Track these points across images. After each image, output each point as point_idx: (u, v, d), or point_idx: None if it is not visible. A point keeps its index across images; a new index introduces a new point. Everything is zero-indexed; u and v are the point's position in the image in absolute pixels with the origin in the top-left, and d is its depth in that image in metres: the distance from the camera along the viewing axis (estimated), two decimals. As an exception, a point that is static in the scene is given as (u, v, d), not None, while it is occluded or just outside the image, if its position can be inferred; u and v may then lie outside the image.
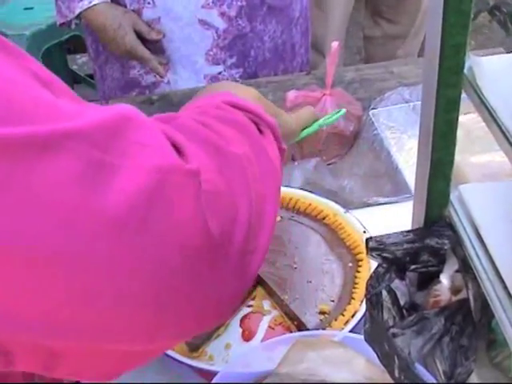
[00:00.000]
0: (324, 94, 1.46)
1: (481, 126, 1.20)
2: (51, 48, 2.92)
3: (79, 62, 3.51)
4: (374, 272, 0.93)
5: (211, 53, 1.66)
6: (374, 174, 1.45)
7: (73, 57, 3.44)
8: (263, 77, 1.74)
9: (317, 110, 1.45)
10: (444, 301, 0.95)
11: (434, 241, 0.90)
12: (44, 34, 2.76)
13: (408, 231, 0.92)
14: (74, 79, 3.27)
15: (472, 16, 0.76)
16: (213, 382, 0.93)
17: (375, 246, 0.90)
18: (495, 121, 0.76)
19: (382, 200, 1.31)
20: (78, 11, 1.60)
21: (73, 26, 1.69)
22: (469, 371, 0.85)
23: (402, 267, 0.94)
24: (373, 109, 1.53)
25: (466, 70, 0.82)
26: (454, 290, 0.96)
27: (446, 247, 0.90)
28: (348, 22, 2.68)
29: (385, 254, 0.92)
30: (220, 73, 1.70)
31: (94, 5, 1.59)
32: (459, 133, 1.17)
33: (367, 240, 0.91)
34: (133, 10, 1.61)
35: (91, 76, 3.16)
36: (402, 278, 0.94)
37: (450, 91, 0.82)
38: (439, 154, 0.88)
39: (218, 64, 1.69)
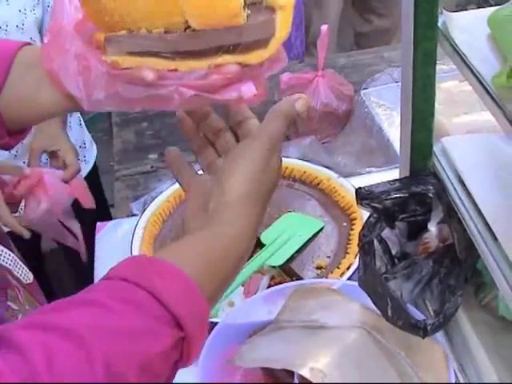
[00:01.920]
0: (316, 76, 1.52)
1: (462, 90, 1.28)
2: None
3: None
4: (365, 222, 0.99)
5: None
6: (366, 149, 1.51)
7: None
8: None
9: (309, 91, 1.52)
10: (433, 247, 1.01)
11: (420, 188, 0.96)
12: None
13: (395, 180, 0.98)
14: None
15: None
16: (213, 332, 0.99)
17: (364, 194, 0.96)
18: (467, 65, 0.82)
19: (374, 170, 1.37)
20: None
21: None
22: (456, 305, 0.91)
23: (391, 217, 1.00)
24: (364, 89, 1.60)
25: (440, 25, 0.88)
26: (442, 239, 1.02)
27: (430, 194, 0.96)
28: (339, 20, 2.75)
29: (374, 204, 0.98)
30: (217, 64, 1.77)
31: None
32: (442, 97, 1.24)
33: (357, 190, 0.97)
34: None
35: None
36: (392, 227, 1.00)
37: (426, 44, 0.89)
38: (420, 106, 0.94)
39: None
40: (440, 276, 0.97)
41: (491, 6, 0.91)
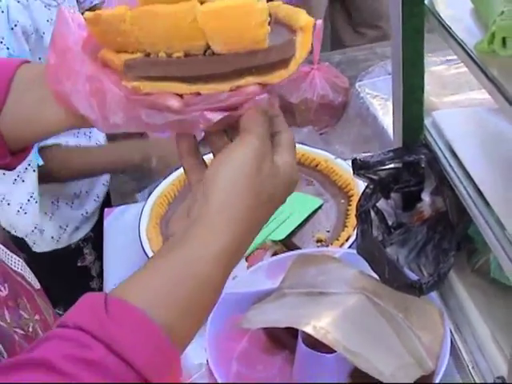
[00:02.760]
0: (312, 69, 1.58)
1: (451, 73, 1.34)
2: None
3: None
4: (362, 193, 1.05)
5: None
6: (362, 138, 1.57)
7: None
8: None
9: (306, 84, 1.58)
10: (426, 216, 1.06)
11: (412, 157, 1.02)
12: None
13: (388, 150, 1.03)
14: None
15: None
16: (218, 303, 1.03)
17: (360, 164, 1.01)
18: (452, 36, 0.87)
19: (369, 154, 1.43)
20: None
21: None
22: (449, 265, 0.96)
23: (386, 188, 1.05)
24: (359, 81, 1.65)
25: (426, 2, 0.94)
26: (435, 208, 1.08)
27: (423, 163, 1.02)
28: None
29: (370, 175, 1.03)
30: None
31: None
32: (433, 80, 1.30)
33: (353, 160, 1.03)
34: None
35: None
36: (388, 198, 1.06)
37: (414, 20, 0.95)
38: (411, 80, 1.00)
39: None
40: (434, 241, 1.02)
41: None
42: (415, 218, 1.07)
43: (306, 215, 1.20)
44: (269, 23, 0.62)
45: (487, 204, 0.91)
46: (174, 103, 0.64)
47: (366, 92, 1.63)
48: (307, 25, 0.65)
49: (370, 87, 1.64)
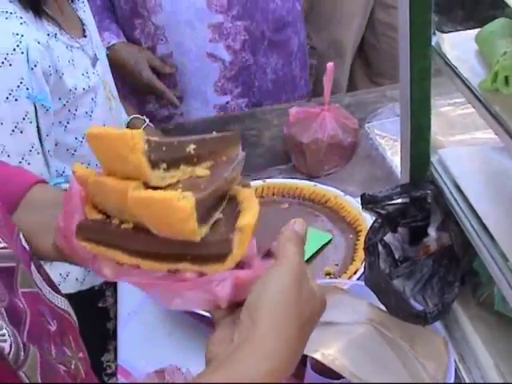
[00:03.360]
0: (323, 110, 1.63)
1: (457, 114, 1.38)
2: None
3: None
4: (370, 227, 1.08)
5: (219, 84, 1.85)
6: (372, 178, 1.61)
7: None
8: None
9: (317, 124, 1.62)
10: (432, 250, 1.09)
11: (419, 192, 1.05)
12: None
13: (396, 186, 1.07)
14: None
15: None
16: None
17: (369, 199, 1.05)
18: (458, 76, 0.92)
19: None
20: (98, 52, 1.79)
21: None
22: (454, 295, 0.99)
23: (393, 222, 1.09)
24: (368, 122, 1.70)
25: (433, 44, 0.99)
26: (441, 243, 1.11)
27: (429, 198, 1.05)
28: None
29: (378, 210, 1.07)
30: (228, 102, 1.88)
31: (113, 44, 1.79)
32: (440, 120, 1.34)
33: (362, 196, 1.06)
34: (148, 48, 1.81)
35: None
36: (395, 232, 1.09)
37: (421, 62, 0.99)
38: (418, 119, 1.04)
39: (226, 94, 1.87)
40: (439, 274, 1.05)
41: (478, 27, 1.00)
42: (421, 252, 1.10)
43: (315, 249, 1.23)
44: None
45: (491, 237, 0.95)
46: (107, 272, 0.69)
47: (375, 133, 1.68)
48: (247, 227, 0.66)
49: (379, 128, 1.69)
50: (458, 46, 0.98)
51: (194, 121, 1.88)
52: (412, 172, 1.08)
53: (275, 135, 1.77)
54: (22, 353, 0.66)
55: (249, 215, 0.67)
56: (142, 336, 1.21)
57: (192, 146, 0.67)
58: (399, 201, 1.08)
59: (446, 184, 1.05)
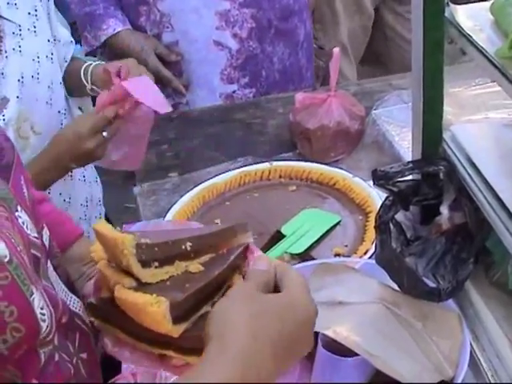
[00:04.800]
0: (329, 96, 1.61)
1: (468, 95, 1.36)
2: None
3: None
4: (381, 205, 1.06)
5: (225, 72, 1.83)
6: (378, 165, 1.58)
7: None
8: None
9: (323, 110, 1.60)
10: (445, 228, 1.07)
11: (432, 168, 1.03)
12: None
13: (408, 162, 1.05)
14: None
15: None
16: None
17: (380, 175, 1.03)
18: (473, 44, 0.90)
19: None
20: (103, 39, 1.78)
21: (97, 56, 1.87)
22: (468, 271, 0.98)
23: (405, 200, 1.07)
24: (374, 110, 1.68)
25: (446, 15, 0.97)
26: (453, 222, 1.09)
27: (441, 174, 1.03)
28: None
29: (389, 187, 1.05)
30: (234, 91, 1.87)
31: (118, 32, 1.77)
32: (450, 100, 1.32)
33: (373, 171, 1.04)
34: (153, 35, 1.79)
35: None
36: (407, 209, 1.07)
37: (434, 33, 0.97)
38: (430, 92, 1.02)
39: (232, 83, 1.86)
40: (452, 252, 1.03)
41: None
42: (433, 230, 1.08)
43: (324, 230, 1.22)
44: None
45: (508, 212, 0.93)
46: (108, 344, 0.77)
47: (382, 120, 1.66)
48: None
49: (386, 115, 1.67)
50: (472, 16, 0.96)
51: (198, 109, 1.86)
52: (424, 148, 1.06)
53: (280, 123, 1.75)
54: (51, 335, 0.69)
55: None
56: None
57: (188, 244, 0.74)
58: (411, 177, 1.06)
59: (459, 160, 1.03)
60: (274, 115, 1.80)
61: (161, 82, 1.82)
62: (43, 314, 0.66)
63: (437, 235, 1.06)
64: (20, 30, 1.33)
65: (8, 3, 1.32)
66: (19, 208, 0.74)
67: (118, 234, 0.72)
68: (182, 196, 1.45)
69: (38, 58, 1.37)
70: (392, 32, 2.50)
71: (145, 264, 0.72)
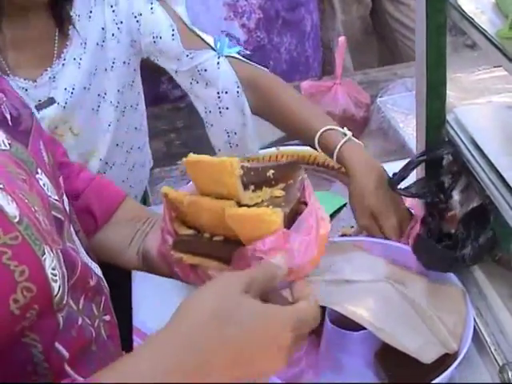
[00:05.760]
0: (335, 84, 1.64)
1: (471, 80, 1.39)
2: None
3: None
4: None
5: (234, 62, 1.86)
6: (384, 151, 1.62)
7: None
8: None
9: (329, 98, 1.63)
10: (457, 213, 1.08)
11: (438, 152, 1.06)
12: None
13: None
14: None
15: None
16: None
17: (395, 180, 1.06)
18: (474, 26, 0.93)
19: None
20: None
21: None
22: (488, 235, 1.00)
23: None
24: (380, 97, 1.71)
25: (449, -2, 0.99)
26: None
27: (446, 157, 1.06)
28: None
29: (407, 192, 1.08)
30: (242, 82, 1.89)
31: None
32: (454, 85, 1.35)
33: (389, 181, 1.07)
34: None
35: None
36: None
37: (437, 16, 1.00)
38: (433, 76, 1.04)
39: (240, 73, 1.88)
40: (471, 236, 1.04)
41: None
42: (446, 214, 1.09)
43: (331, 212, 1.24)
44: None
45: (510, 189, 0.95)
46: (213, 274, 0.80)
47: (387, 107, 1.68)
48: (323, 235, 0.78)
49: (391, 103, 1.70)
50: (473, 0, 0.98)
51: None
52: (428, 130, 1.09)
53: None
54: (66, 297, 0.69)
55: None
56: (158, 298, 1.21)
57: (271, 171, 0.79)
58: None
59: (462, 141, 1.06)
60: (280, 104, 1.82)
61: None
62: (54, 275, 0.66)
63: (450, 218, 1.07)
64: (86, 43, 1.28)
65: (85, 15, 1.28)
66: (39, 171, 0.75)
67: (222, 157, 0.76)
68: (189, 182, 1.47)
69: (96, 70, 1.31)
70: (393, 21, 2.52)
71: (245, 187, 0.76)
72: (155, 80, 1.92)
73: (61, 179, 0.87)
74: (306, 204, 0.78)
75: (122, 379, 0.62)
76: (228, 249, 0.77)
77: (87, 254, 0.84)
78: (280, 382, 0.92)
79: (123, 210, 0.98)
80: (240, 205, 0.76)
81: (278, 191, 0.78)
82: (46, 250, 0.66)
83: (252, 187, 0.78)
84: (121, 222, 0.97)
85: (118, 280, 1.03)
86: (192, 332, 0.64)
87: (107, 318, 0.81)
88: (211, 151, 1.66)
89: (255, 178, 0.78)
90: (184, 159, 0.78)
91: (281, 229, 0.72)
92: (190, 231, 0.82)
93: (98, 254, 0.92)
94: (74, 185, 0.96)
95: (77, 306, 0.74)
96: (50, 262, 0.66)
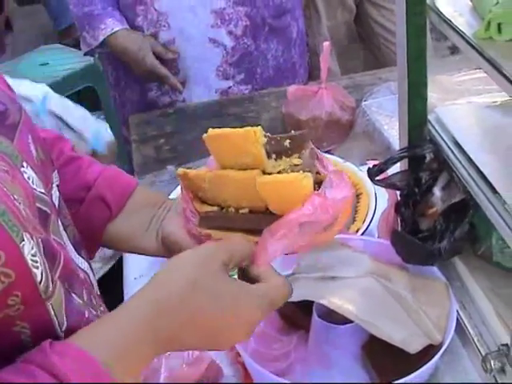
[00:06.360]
0: (320, 88, 1.67)
1: (453, 81, 1.42)
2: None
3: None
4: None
5: (221, 68, 1.89)
6: (369, 154, 1.65)
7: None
8: (267, 91, 1.97)
9: (314, 102, 1.67)
10: (439, 209, 1.11)
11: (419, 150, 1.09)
12: (61, 85, 2.96)
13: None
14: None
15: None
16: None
17: (375, 170, 1.09)
18: (452, 28, 0.96)
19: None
20: (101, 38, 1.84)
21: (96, 55, 1.93)
22: (464, 230, 1.03)
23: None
24: (365, 101, 1.74)
25: (428, 1, 1.03)
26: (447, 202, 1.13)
27: (427, 155, 1.09)
28: None
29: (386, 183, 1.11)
30: (230, 87, 1.92)
31: (116, 31, 1.83)
32: (436, 87, 1.38)
33: (368, 170, 1.10)
34: (150, 34, 1.85)
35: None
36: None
37: (417, 18, 1.03)
38: (414, 76, 1.08)
39: (228, 79, 1.91)
40: (450, 229, 1.07)
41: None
42: (428, 212, 1.12)
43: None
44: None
45: (490, 185, 0.98)
46: None
47: (372, 110, 1.72)
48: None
49: (376, 106, 1.73)
50: (451, 3, 1.02)
51: (194, 105, 1.92)
52: (410, 129, 1.12)
53: (274, 116, 1.82)
54: (51, 285, 0.69)
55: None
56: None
57: (288, 141, 0.80)
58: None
59: (443, 139, 1.09)
60: (267, 109, 1.86)
61: (158, 79, 1.89)
62: (35, 261, 0.66)
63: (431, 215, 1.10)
64: None
65: None
66: (25, 164, 0.76)
67: (245, 128, 0.78)
68: (177, 187, 1.50)
69: None
70: (376, 25, 2.56)
71: (268, 156, 0.78)
72: (144, 87, 1.96)
73: (55, 173, 0.88)
74: (318, 173, 0.81)
75: (94, 345, 0.65)
76: (256, 220, 0.80)
77: (76, 250, 0.85)
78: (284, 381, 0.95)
79: (137, 197, 0.98)
80: (264, 173, 0.78)
81: (296, 159, 0.80)
82: (25, 237, 0.66)
83: (274, 156, 0.80)
84: (135, 208, 0.97)
85: (110, 287, 1.06)
86: (168, 299, 0.68)
87: (102, 309, 0.83)
88: (200, 155, 1.69)
89: (275, 148, 0.80)
90: (204, 135, 0.81)
91: (312, 192, 0.75)
92: (214, 207, 0.85)
93: (115, 243, 0.96)
94: (85, 177, 0.97)
95: (81, 299, 0.76)
96: (30, 249, 0.66)
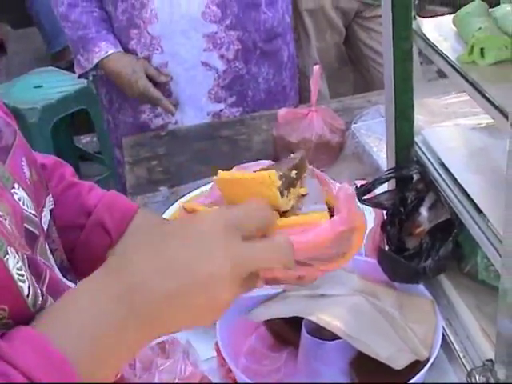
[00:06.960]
0: (310, 111, 1.70)
1: (439, 104, 1.45)
2: (59, 126, 3.17)
3: (83, 142, 3.79)
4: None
5: (213, 91, 1.92)
6: (360, 174, 1.68)
7: (77, 138, 3.70)
8: (258, 114, 2.00)
9: (304, 124, 1.70)
10: (425, 229, 1.14)
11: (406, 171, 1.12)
12: (54, 108, 3.01)
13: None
14: (79, 156, 3.53)
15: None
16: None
17: (363, 190, 1.12)
18: (437, 52, 0.99)
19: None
20: (95, 61, 1.87)
21: (90, 78, 1.96)
22: (448, 249, 1.06)
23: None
24: (354, 124, 1.77)
25: (414, 27, 1.06)
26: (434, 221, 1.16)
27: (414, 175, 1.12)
28: None
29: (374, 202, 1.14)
30: (221, 110, 1.96)
31: (110, 54, 1.86)
32: (423, 110, 1.41)
33: (356, 189, 1.12)
34: (143, 57, 1.88)
35: (98, 152, 3.43)
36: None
37: (403, 43, 1.06)
38: (401, 99, 1.11)
39: (220, 102, 1.95)
40: (436, 248, 1.10)
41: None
42: (415, 231, 1.15)
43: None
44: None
45: (474, 204, 1.01)
46: None
47: (362, 132, 1.75)
48: (361, 225, 0.80)
49: (365, 129, 1.76)
50: (436, 28, 1.05)
51: (186, 127, 1.95)
52: (397, 151, 1.15)
53: (264, 139, 1.84)
54: (40, 298, 0.70)
55: (360, 218, 0.80)
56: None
57: (294, 172, 0.81)
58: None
59: (429, 161, 1.12)
60: (258, 131, 1.89)
61: (151, 102, 1.92)
62: (21, 275, 0.66)
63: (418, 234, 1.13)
64: None
65: None
66: (16, 186, 0.77)
67: (259, 172, 0.79)
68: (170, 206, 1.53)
69: None
70: (366, 48, 2.60)
71: (281, 195, 0.78)
72: (137, 110, 1.99)
73: (49, 198, 0.89)
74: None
75: (67, 324, 0.64)
76: None
77: (63, 275, 0.85)
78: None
79: (137, 221, 0.98)
80: (279, 213, 0.78)
81: (302, 189, 0.82)
82: (9, 251, 0.66)
83: (286, 192, 0.80)
84: (132, 232, 0.97)
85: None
86: (132, 263, 0.69)
87: None
88: (192, 177, 1.72)
89: (286, 184, 0.80)
90: (214, 177, 0.80)
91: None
92: None
93: None
94: (85, 203, 0.98)
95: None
96: (15, 263, 0.66)
